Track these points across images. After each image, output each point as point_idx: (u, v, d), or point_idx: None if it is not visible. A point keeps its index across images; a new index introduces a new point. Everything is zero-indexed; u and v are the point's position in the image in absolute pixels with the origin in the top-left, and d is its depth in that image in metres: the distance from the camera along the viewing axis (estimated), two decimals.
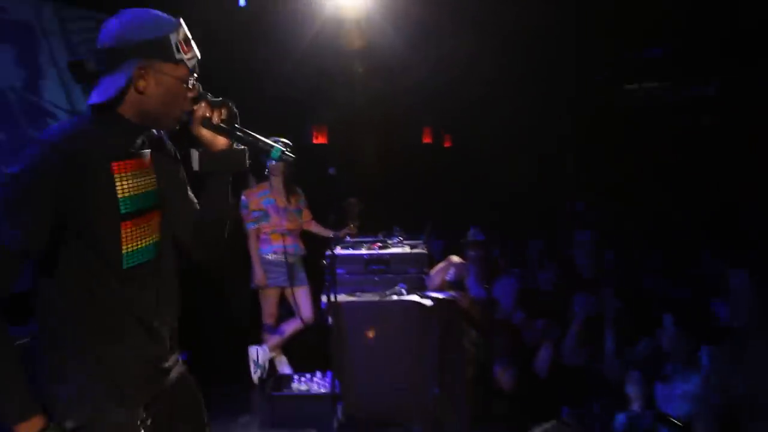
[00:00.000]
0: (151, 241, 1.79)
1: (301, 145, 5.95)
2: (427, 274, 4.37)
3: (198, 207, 1.96)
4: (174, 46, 1.71)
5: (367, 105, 7.64)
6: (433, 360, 3.95)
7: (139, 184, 1.76)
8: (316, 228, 5.53)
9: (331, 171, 5.14)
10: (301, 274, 5.27)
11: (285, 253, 5.10)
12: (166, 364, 1.87)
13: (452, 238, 5.45)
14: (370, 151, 7.82)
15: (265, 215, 5.13)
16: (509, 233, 5.31)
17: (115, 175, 1.70)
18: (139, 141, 1.80)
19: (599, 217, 5.33)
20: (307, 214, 5.45)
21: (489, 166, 8.28)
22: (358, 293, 4.22)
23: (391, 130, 7.91)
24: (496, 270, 4.58)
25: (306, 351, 5.58)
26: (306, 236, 5.48)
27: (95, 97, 1.70)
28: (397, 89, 7.56)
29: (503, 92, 7.97)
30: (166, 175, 1.89)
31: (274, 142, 1.72)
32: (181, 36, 1.73)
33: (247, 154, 1.82)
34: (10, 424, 1.57)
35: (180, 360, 1.94)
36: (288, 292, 5.17)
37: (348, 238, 5.07)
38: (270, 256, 5.11)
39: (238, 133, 1.81)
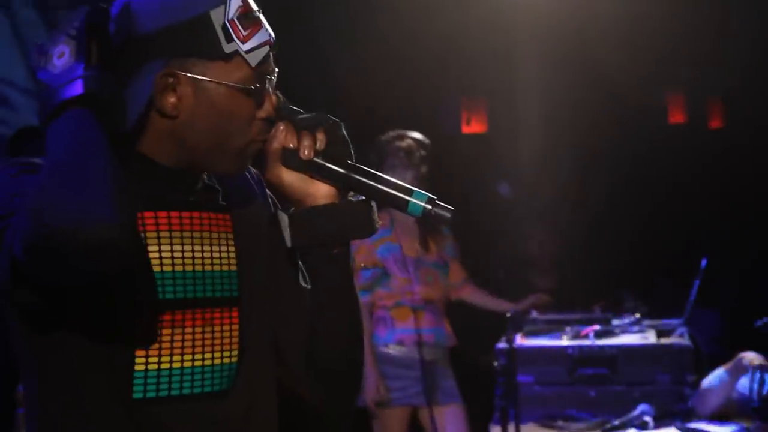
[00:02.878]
0: (213, 362, 1.77)
1: (443, 136, 6.05)
2: (694, 386, 4.32)
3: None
4: (220, 28, 1.69)
5: (560, 60, 7.50)
6: None
7: (195, 254, 1.77)
8: (474, 295, 5.32)
9: (503, 190, 5.37)
10: (448, 383, 5.06)
11: (419, 343, 4.93)
12: None
13: (738, 309, 5.29)
14: (567, 142, 7.74)
15: (384, 275, 5.00)
16: None
17: (147, 233, 1.71)
18: (184, 187, 1.81)
19: None
20: (457, 269, 5.22)
21: None
22: (559, 421, 4.27)
23: (605, 105, 7.74)
24: None
25: None
26: (456, 311, 5.28)
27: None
28: (612, 33, 7.33)
29: None
30: (255, 248, 1.89)
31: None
32: (233, 9, 1.71)
33: (374, 209, 1.80)
34: None
35: None
36: (424, 413, 4.98)
37: (535, 314, 5.00)
38: (392, 349, 4.98)
39: (344, 171, 1.78)
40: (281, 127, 1.78)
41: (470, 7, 7.19)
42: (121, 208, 1.53)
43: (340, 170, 1.78)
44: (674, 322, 4.67)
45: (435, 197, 1.74)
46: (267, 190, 1.99)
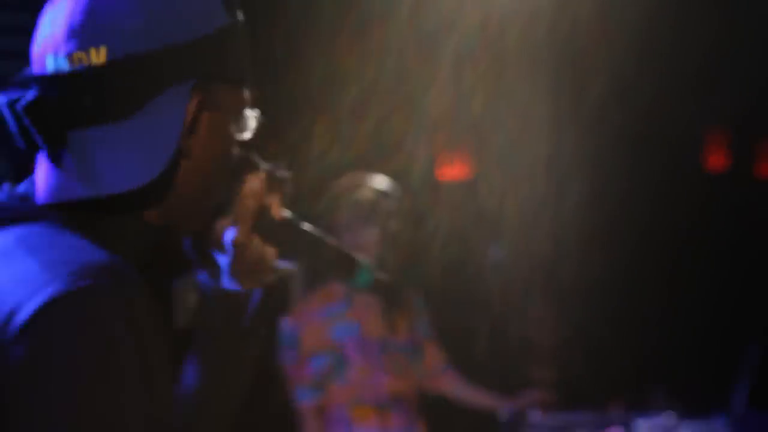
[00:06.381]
0: None
1: (416, 183, 6.15)
2: None
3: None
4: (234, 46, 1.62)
5: (568, 83, 7.14)
6: None
7: None
8: (456, 387, 4.90)
9: (494, 253, 5.57)
10: None
11: None
12: None
13: None
14: (573, 189, 7.32)
15: (340, 363, 4.69)
16: None
17: None
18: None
19: None
20: (434, 353, 4.79)
21: None
22: None
23: (625, 142, 7.40)
24: None
25: None
26: (432, 406, 4.90)
27: (109, 179, 1.49)
28: (633, 48, 7.01)
29: None
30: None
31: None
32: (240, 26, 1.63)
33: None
34: None
35: None
36: None
37: (536, 415, 4.80)
38: None
39: (300, 233, 1.70)
40: (261, 176, 1.67)
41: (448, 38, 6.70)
42: None
43: (293, 231, 1.73)
44: (716, 426, 4.56)
45: (375, 269, 1.90)
46: None
